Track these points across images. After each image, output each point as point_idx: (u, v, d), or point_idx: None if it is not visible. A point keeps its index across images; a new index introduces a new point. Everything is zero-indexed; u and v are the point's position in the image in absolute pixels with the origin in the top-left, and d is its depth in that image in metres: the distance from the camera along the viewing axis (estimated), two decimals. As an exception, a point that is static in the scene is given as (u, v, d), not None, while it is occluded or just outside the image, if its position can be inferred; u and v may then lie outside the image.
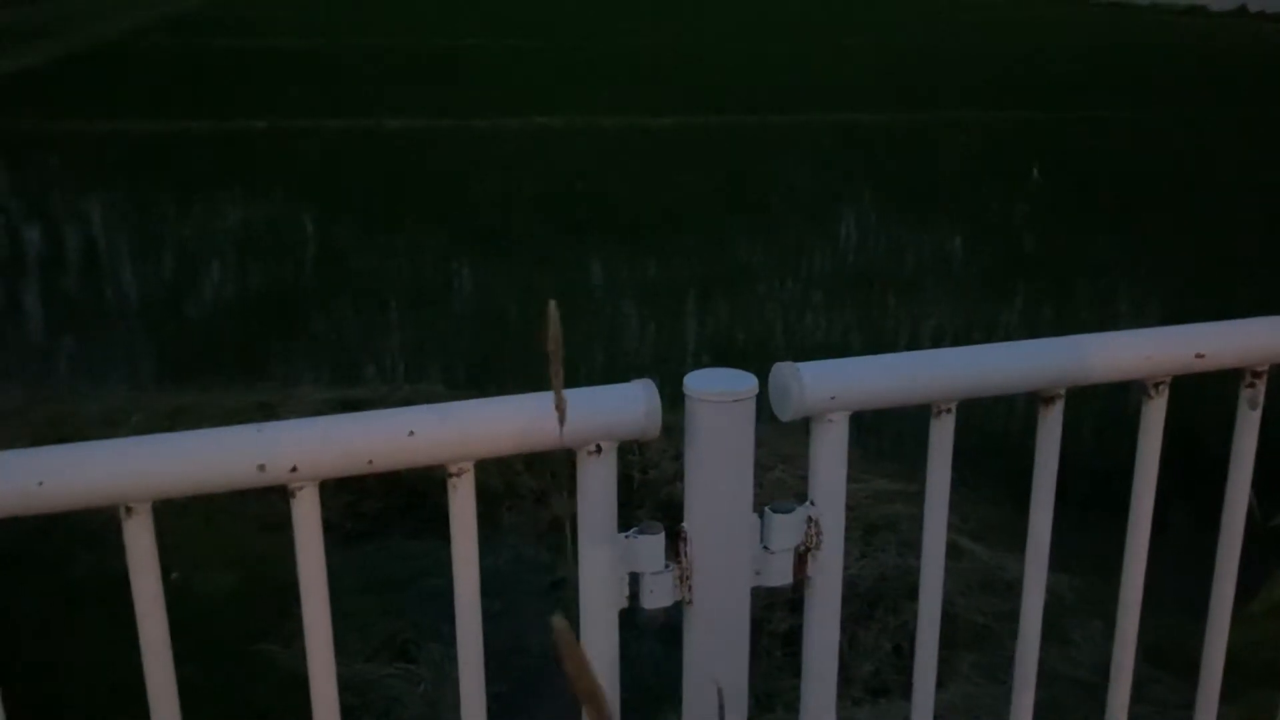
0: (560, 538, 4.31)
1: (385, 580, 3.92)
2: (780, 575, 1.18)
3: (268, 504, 4.15)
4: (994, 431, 4.52)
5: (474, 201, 8.53)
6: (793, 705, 3.30)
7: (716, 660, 1.17)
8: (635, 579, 1.15)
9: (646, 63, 15.53)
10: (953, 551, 4.18)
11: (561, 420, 0.93)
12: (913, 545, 4.01)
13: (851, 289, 6.66)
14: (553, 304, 0.79)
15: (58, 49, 16.70)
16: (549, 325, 0.80)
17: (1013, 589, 3.83)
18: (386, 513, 4.38)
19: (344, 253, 7.32)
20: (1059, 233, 7.81)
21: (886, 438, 4.72)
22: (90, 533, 3.68)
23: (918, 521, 4.30)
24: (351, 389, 5.15)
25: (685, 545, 1.15)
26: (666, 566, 1.15)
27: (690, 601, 1.16)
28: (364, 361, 5.71)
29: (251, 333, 5.99)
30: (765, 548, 1.18)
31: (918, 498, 4.62)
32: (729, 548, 1.14)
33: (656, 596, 1.15)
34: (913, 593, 4.10)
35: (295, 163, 9.59)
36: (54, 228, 8.03)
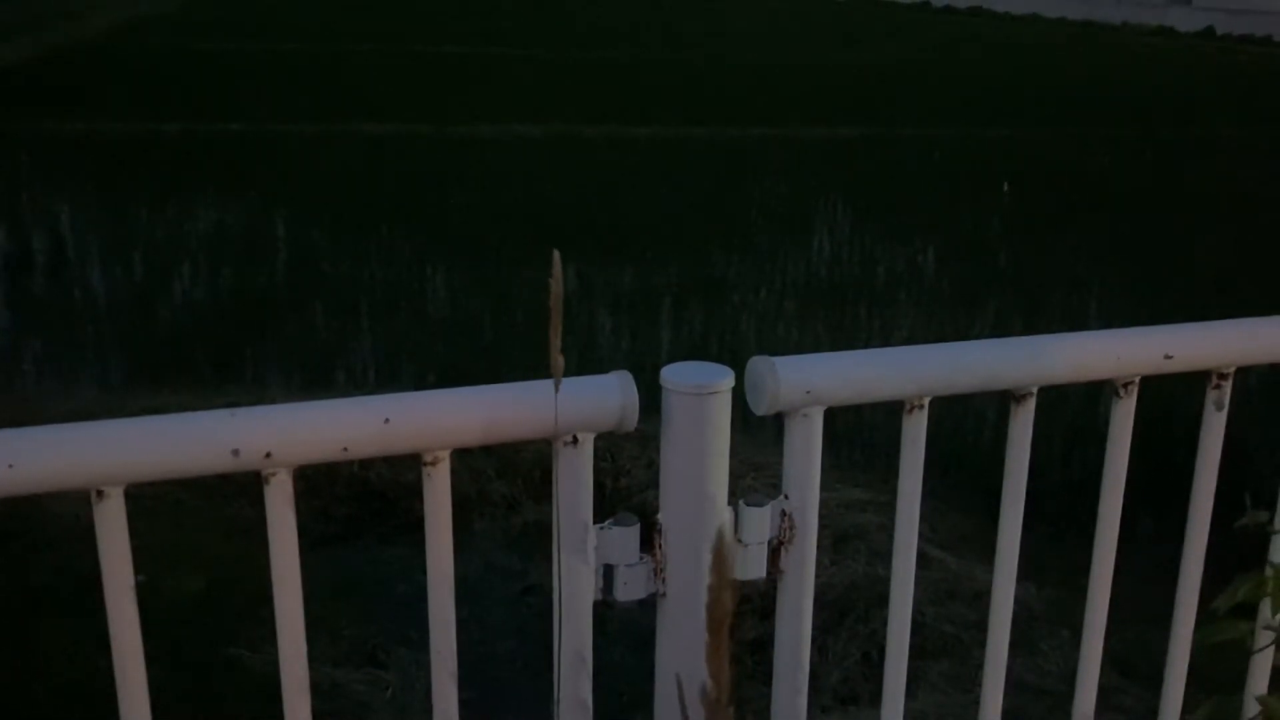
0: (532, 544, 4.30)
1: (355, 585, 3.90)
2: (754, 568, 1.19)
3: (236, 507, 4.12)
4: (964, 443, 4.55)
5: (451, 208, 8.52)
6: (763, 712, 3.31)
7: (689, 652, 1.17)
8: (609, 571, 1.15)
9: (627, 73, 15.57)
10: (922, 561, 4.18)
11: (556, 385, 0.93)
12: (883, 554, 4.02)
13: (829, 301, 6.69)
14: (556, 253, 0.79)
15: (34, 48, 16.56)
16: (553, 276, 0.81)
17: (981, 599, 3.85)
18: (357, 517, 4.36)
19: (318, 257, 7.28)
20: (1031, 248, 7.88)
21: (858, 447, 4.75)
22: (57, 535, 3.64)
23: (888, 531, 4.31)
24: (322, 393, 5.12)
25: (659, 537, 1.15)
26: (641, 559, 1.15)
27: (664, 594, 1.16)
28: (336, 366, 5.68)
29: (223, 335, 5.95)
30: (739, 541, 1.18)
31: (888, 507, 4.63)
32: (703, 540, 1.15)
33: (630, 588, 1.15)
34: (883, 601, 4.10)
35: (272, 166, 9.54)
36: (24, 227, 7.95)
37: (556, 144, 10.93)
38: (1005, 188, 9.23)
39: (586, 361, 5.54)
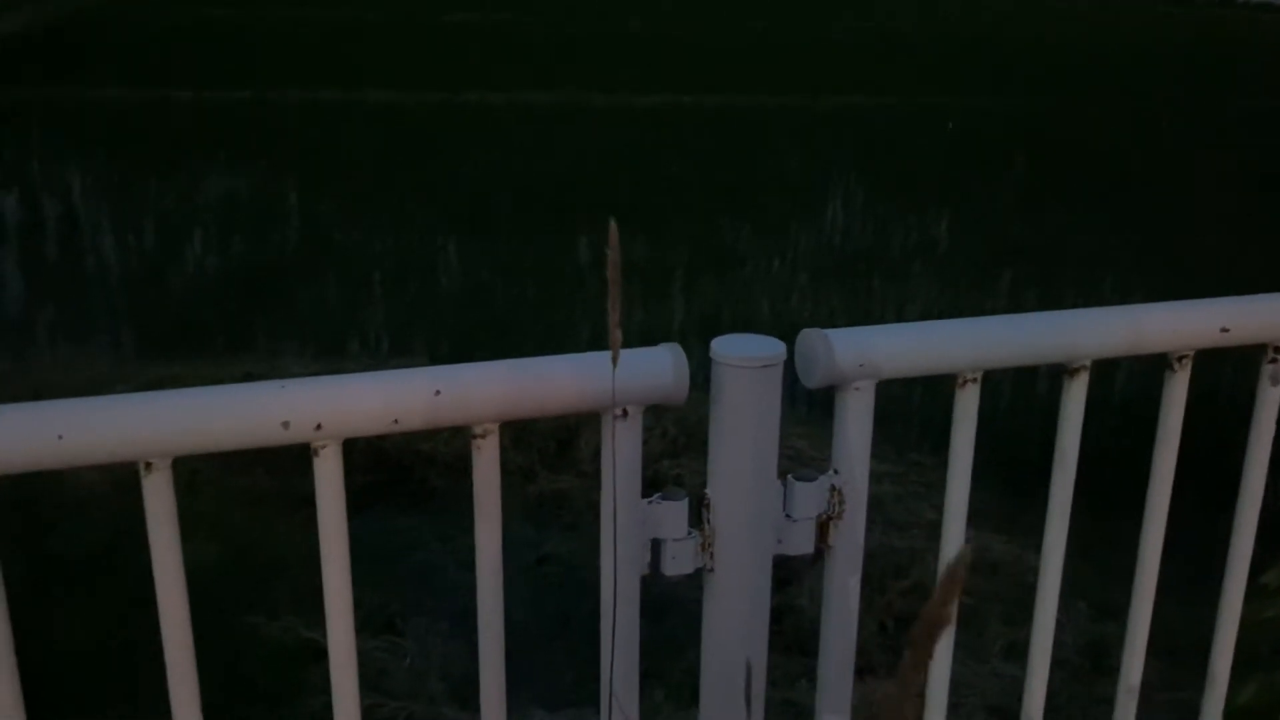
0: (548, 514, 4.30)
1: (370, 554, 3.89)
2: (802, 544, 1.18)
3: (253, 477, 4.12)
4: (980, 416, 4.53)
5: (460, 177, 8.47)
6: (779, 681, 3.30)
7: (737, 628, 1.16)
8: (657, 545, 1.14)
9: (636, 41, 15.46)
10: (938, 533, 4.20)
11: (615, 357, 0.91)
12: (899, 525, 4.02)
13: (841, 271, 6.66)
14: (613, 222, 0.78)
15: (37, 15, 16.45)
16: (610, 247, 0.79)
17: (998, 570, 3.85)
18: (371, 488, 4.35)
19: (328, 226, 7.26)
20: (1048, 220, 7.83)
21: (875, 418, 4.72)
22: (76, 504, 3.64)
23: (904, 502, 4.28)
24: (334, 363, 5.12)
25: (708, 512, 1.14)
26: (689, 533, 1.14)
27: (712, 569, 1.15)
28: (348, 336, 5.68)
29: (234, 305, 5.94)
30: (787, 516, 1.17)
31: (905, 478, 4.59)
32: (752, 515, 1.13)
33: (678, 563, 1.14)
34: (899, 572, 4.09)
35: (280, 134, 9.49)
36: (34, 197, 7.92)
37: (567, 112, 10.86)
38: (1017, 161, 9.15)
39: (599, 334, 5.51)
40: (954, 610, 0.54)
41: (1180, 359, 1.21)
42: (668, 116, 10.92)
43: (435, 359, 5.27)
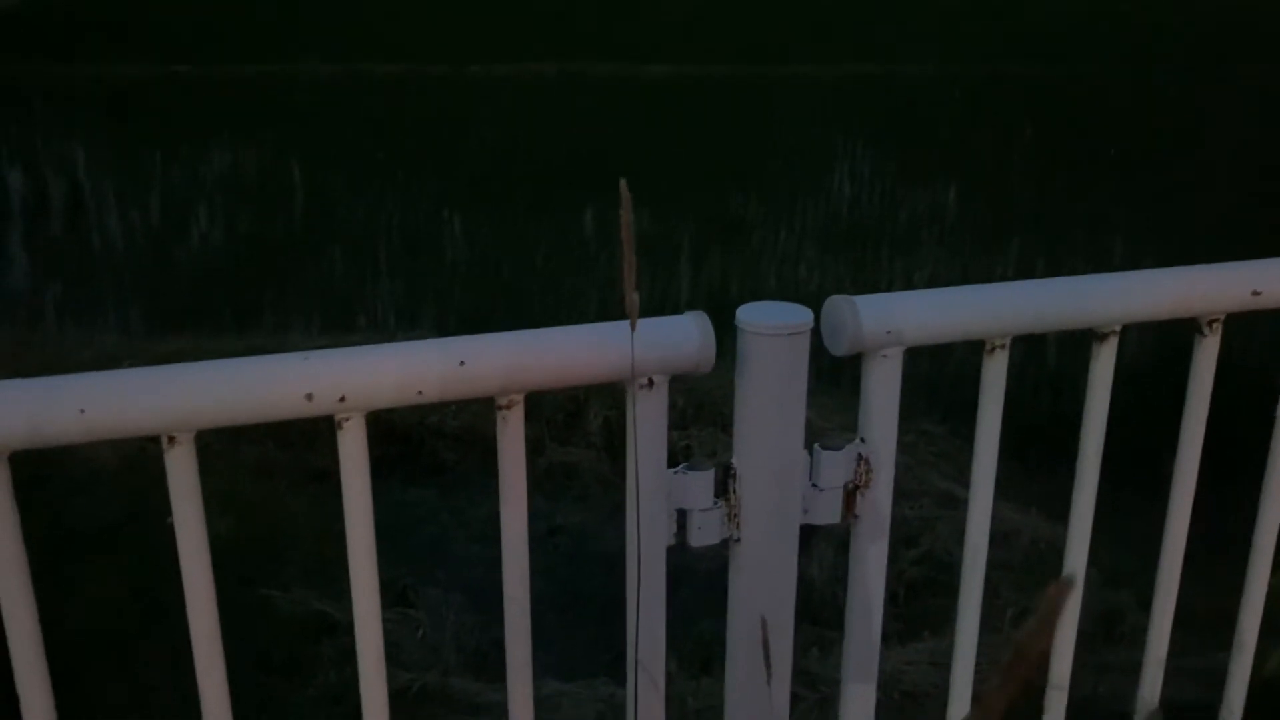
0: (557, 486, 4.30)
1: (381, 527, 3.89)
2: (829, 513, 1.17)
3: (262, 449, 4.11)
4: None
5: (466, 149, 8.43)
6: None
7: (763, 597, 1.15)
8: (683, 516, 1.13)
9: (639, 10, 15.32)
10: (951, 502, 4.19)
11: (633, 326, 0.90)
12: (907, 494, 4.01)
13: (847, 242, 6.63)
14: (624, 183, 0.76)
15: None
16: (622, 208, 0.77)
17: (1009, 539, 3.84)
18: (381, 462, 4.34)
19: (334, 200, 7.23)
20: (1055, 189, 7.78)
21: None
22: (87, 480, 3.64)
23: (914, 471, 4.25)
24: (341, 337, 5.11)
25: (734, 482, 1.13)
26: (715, 504, 1.13)
27: (738, 539, 1.14)
28: (355, 310, 5.66)
29: (241, 280, 5.92)
30: (814, 485, 1.16)
31: (914, 447, 4.56)
32: (779, 485, 1.12)
33: (704, 534, 1.13)
34: (908, 541, 4.08)
35: (285, 109, 9.44)
36: (40, 172, 7.90)
37: (571, 83, 10.79)
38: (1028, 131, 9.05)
39: (607, 307, 5.50)
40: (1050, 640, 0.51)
41: (1211, 323, 1.19)
42: (670, 86, 10.85)
43: (443, 332, 5.25)
